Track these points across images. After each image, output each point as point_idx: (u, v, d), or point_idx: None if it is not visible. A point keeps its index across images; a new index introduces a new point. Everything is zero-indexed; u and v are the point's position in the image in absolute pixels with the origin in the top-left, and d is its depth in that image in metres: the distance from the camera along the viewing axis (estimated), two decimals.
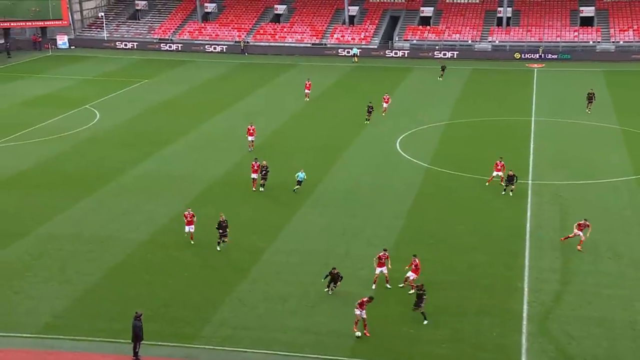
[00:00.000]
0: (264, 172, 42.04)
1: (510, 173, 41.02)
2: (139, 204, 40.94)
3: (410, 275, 30.47)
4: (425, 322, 27.71)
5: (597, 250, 34.10)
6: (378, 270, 30.75)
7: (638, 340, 26.78)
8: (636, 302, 29.49)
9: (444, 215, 38.84)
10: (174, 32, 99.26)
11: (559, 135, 54.14)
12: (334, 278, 30.02)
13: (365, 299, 27.24)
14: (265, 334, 27.58)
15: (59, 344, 27.15)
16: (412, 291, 29.81)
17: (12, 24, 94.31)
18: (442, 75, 74.92)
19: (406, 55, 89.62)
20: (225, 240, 34.35)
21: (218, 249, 34.27)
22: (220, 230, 34.25)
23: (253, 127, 50.79)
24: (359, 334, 27.09)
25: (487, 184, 42.88)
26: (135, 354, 25.94)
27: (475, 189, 42.85)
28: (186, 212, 35.48)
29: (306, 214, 39.40)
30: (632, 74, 77.39)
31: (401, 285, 30.74)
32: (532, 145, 51.42)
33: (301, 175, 41.75)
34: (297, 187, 41.75)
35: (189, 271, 32.79)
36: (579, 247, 33.92)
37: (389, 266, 30.94)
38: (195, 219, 35.49)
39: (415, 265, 30.41)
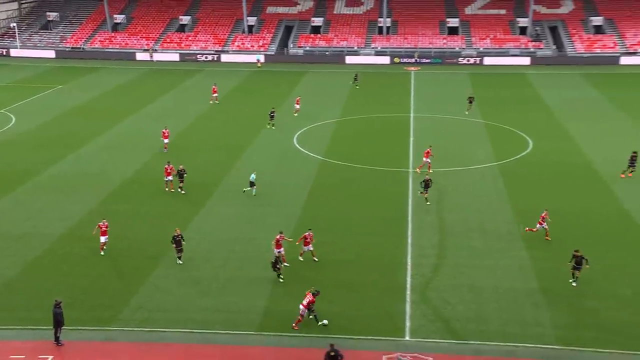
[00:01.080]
0: (181, 175, 40.75)
1: (427, 178, 39.19)
2: (55, 202, 39.41)
3: (305, 247, 31.61)
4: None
5: (468, 228, 35.44)
6: (276, 251, 30.93)
7: (501, 302, 28.10)
8: (499, 270, 30.85)
9: (337, 202, 39.38)
10: (85, 41, 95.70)
11: (434, 129, 55.74)
12: (277, 260, 29.65)
13: (311, 300, 26.06)
14: (180, 315, 27.26)
15: None
16: (301, 258, 31.45)
17: None
18: (355, 82, 73.70)
19: (301, 61, 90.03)
20: (181, 253, 31.39)
21: (180, 262, 31.39)
22: (175, 245, 31.36)
23: (167, 130, 49.88)
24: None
25: (417, 171, 43.85)
26: (57, 339, 25.07)
27: (365, 177, 43.61)
28: (100, 223, 32.64)
29: (214, 206, 39.05)
30: (491, 75, 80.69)
31: (301, 259, 31.38)
32: (411, 138, 52.75)
33: (253, 176, 40.19)
34: (248, 188, 39.99)
35: (106, 261, 31.89)
36: (547, 238, 33.71)
37: (292, 240, 31.70)
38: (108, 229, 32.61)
39: (310, 238, 31.41)
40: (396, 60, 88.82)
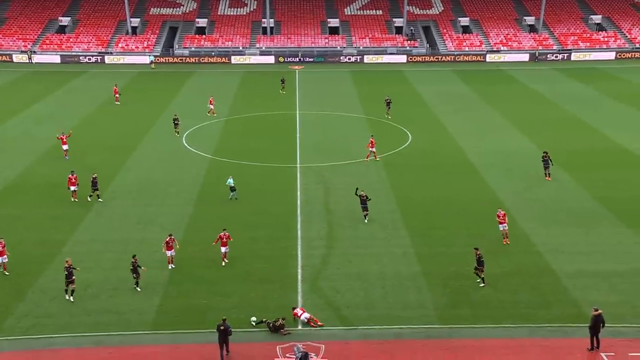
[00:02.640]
0: (94, 183, 37.76)
1: (362, 194, 35.65)
2: None
3: (223, 249, 30.64)
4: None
5: (354, 218, 36.03)
6: (168, 253, 30.22)
7: (386, 287, 28.80)
8: (384, 257, 31.58)
9: (228, 199, 38.91)
10: None
11: (319, 125, 56.28)
12: (135, 268, 28.13)
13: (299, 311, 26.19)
14: (70, 319, 26.03)
15: None
16: (225, 261, 30.48)
17: None
18: (283, 87, 69.49)
19: (188, 61, 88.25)
20: (73, 286, 27.40)
21: (67, 297, 27.41)
22: (67, 276, 27.40)
23: (65, 136, 46.04)
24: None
25: (366, 160, 44.85)
26: None
27: (254, 174, 43.40)
28: None
29: (103, 206, 37.52)
30: (371, 73, 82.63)
31: (225, 263, 30.51)
32: (298, 135, 53.06)
33: (230, 181, 38.34)
34: (232, 194, 38.08)
35: None
36: (506, 241, 32.67)
37: (177, 246, 30.70)
38: (6, 249, 29.60)
39: (227, 238, 30.52)
40: (281, 59, 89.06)
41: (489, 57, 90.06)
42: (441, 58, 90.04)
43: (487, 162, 45.84)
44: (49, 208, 37.20)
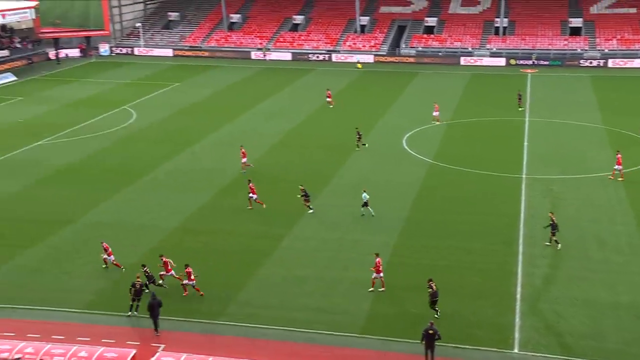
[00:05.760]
0: (306, 195, 38.09)
1: (551, 215, 33.88)
2: (171, 196, 41.12)
3: (375, 275, 29.17)
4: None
5: (584, 238, 33.79)
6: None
7: (622, 319, 26.63)
8: (619, 285, 29.26)
9: (445, 206, 38.67)
10: (202, 40, 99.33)
11: (550, 134, 53.58)
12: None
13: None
14: (284, 313, 27.71)
15: (102, 318, 27.59)
16: (374, 289, 29.17)
17: (61, 34, 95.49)
18: (520, 103, 62.30)
19: (413, 62, 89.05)
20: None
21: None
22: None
23: (243, 150, 45.72)
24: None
25: (610, 178, 42.20)
26: (155, 328, 26.22)
27: (475, 182, 42.58)
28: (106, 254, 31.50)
29: (321, 205, 39.22)
30: (615, 79, 76.60)
31: (371, 290, 29.25)
32: (525, 143, 50.99)
33: (365, 195, 37.38)
34: (363, 208, 37.23)
35: (215, 255, 33.00)
36: None
37: (174, 265, 30.14)
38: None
39: (377, 263, 29.07)
40: (512, 62, 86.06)
41: None
42: None
43: None
44: (272, 203, 39.64)
